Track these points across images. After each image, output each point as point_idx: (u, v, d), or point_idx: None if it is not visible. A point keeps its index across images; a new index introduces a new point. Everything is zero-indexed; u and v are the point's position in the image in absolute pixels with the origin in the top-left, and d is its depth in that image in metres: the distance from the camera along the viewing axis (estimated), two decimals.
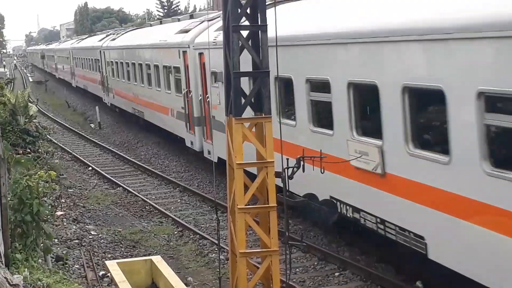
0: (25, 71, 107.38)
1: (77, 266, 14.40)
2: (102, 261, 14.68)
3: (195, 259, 15.34)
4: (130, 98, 33.35)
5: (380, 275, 12.80)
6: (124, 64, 34.10)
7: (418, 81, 10.00)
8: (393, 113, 10.61)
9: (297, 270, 13.73)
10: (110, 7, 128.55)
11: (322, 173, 10.56)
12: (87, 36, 63.81)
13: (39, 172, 13.75)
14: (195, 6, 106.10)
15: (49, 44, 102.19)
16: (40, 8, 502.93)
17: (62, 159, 28.12)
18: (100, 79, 42.71)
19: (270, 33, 9.12)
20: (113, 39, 38.94)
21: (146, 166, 25.97)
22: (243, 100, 9.27)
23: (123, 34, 39.38)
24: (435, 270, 10.57)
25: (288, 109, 15.01)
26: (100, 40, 44.11)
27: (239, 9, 9.17)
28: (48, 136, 27.92)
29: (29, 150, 21.95)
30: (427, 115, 10.73)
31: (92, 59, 46.00)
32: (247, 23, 9.45)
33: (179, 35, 23.82)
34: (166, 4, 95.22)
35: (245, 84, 10.12)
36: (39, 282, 10.96)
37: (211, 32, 19.27)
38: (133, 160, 27.57)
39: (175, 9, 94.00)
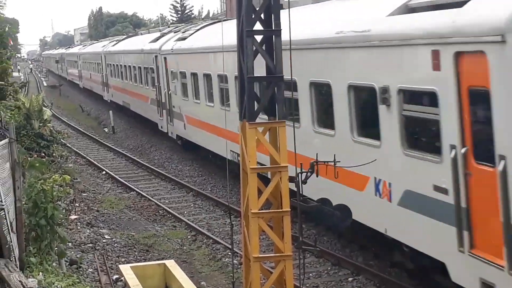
0: (39, 75, 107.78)
1: (91, 270, 14.44)
2: (115, 265, 14.72)
3: (208, 263, 15.36)
4: (227, 135, 18.89)
5: (394, 280, 12.76)
6: (213, 78, 21.00)
7: None
8: None
9: (311, 275, 13.71)
10: (124, 11, 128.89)
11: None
12: (125, 36, 51.23)
13: (53, 176, 13.84)
14: (208, 10, 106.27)
15: (69, 47, 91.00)
16: (54, 13, 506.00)
17: (76, 163, 28.25)
18: (155, 97, 30.31)
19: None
20: (182, 39, 25.91)
21: (159, 171, 26.02)
22: (256, 105, 9.29)
23: (198, 30, 25.97)
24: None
25: None
26: (155, 41, 31.03)
27: (253, 14, 9.19)
28: (62, 140, 28.02)
29: (43, 154, 22.05)
30: None
31: (139, 67, 33.80)
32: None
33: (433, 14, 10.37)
34: (179, 8, 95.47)
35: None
36: (53, 285, 11.01)
37: None
38: (146, 164, 27.63)
39: (188, 13, 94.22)
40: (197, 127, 23.95)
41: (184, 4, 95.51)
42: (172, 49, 26.29)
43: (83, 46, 70.57)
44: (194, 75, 23.39)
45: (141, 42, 35.43)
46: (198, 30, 25.94)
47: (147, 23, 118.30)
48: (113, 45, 45.35)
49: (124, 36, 51.43)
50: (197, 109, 23.61)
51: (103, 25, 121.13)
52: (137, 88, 35.06)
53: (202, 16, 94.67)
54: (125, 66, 38.28)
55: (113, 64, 42.61)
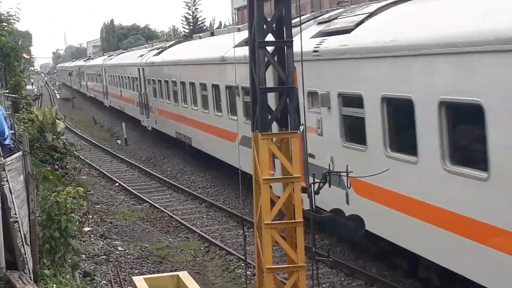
0: (52, 88, 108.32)
1: (104, 282, 14.47)
2: (129, 277, 14.74)
3: (221, 274, 15.35)
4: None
5: None
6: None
7: None
8: None
9: (324, 286, 13.67)
10: (136, 24, 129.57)
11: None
12: (172, 42, 38.67)
13: (67, 189, 13.88)
14: (220, 22, 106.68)
15: (89, 59, 79.59)
16: (67, 26, 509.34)
17: (89, 175, 28.33)
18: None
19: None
20: (341, 31, 13.72)
21: (172, 182, 26.06)
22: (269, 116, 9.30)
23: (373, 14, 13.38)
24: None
25: None
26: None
27: (264, 25, 9.22)
28: (75, 152, 28.13)
29: (57, 167, 22.12)
30: None
31: (215, 86, 22.35)
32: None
33: None
34: (191, 20, 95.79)
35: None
36: None
37: None
38: (159, 176, 27.68)
39: (200, 25, 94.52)
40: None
41: (196, 16, 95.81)
42: (319, 50, 13.92)
43: (109, 56, 58.61)
44: (393, 102, 11.61)
45: (213, 47, 24.14)
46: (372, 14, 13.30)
47: (159, 35, 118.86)
48: (156, 55, 34.33)
49: (171, 42, 38.99)
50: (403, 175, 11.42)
51: (115, 37, 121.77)
52: (212, 119, 23.22)
53: (214, 27, 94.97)
54: (182, 83, 27.09)
55: (159, 80, 31.92)
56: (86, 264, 15.09)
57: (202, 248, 17.44)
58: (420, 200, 10.72)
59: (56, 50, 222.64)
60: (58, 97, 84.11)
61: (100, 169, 30.19)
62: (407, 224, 11.27)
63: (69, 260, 12.97)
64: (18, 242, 10.83)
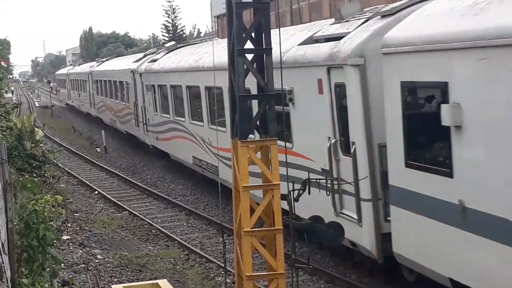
0: (31, 96, 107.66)
1: None
2: (108, 285, 14.65)
3: (201, 282, 15.31)
4: None
5: None
6: None
7: None
8: None
9: None
10: (115, 31, 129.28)
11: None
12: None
13: (45, 197, 13.78)
14: (199, 30, 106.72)
15: (100, 62, 51.13)
16: (46, 33, 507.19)
17: (68, 184, 28.16)
18: None
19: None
20: None
21: (152, 190, 25.98)
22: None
23: None
24: None
25: None
26: None
27: (243, 33, 9.25)
28: (54, 160, 27.96)
29: (35, 175, 21.98)
30: None
31: None
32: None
33: None
34: (171, 28, 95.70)
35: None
36: None
37: None
38: (139, 184, 27.58)
39: (180, 33, 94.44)
40: None
41: (176, 24, 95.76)
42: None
43: (158, 50, 33.36)
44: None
45: None
46: None
47: (139, 43, 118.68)
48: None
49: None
50: None
51: (95, 45, 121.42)
52: None
53: (194, 36, 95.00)
54: None
55: None
56: (65, 273, 14.98)
57: (182, 256, 17.40)
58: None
59: (35, 58, 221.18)
60: (36, 105, 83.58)
61: (79, 177, 30.03)
62: None
63: (48, 269, 12.88)
64: None
